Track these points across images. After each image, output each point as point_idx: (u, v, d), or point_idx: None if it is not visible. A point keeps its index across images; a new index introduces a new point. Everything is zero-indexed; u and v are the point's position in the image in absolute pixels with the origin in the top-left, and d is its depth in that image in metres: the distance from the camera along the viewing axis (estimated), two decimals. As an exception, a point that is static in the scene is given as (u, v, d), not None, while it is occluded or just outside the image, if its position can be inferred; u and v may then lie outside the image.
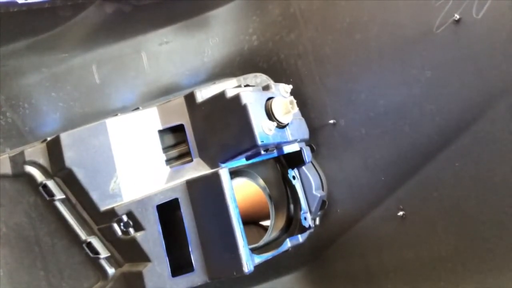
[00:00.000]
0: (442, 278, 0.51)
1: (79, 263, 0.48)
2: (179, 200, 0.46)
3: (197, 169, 0.48)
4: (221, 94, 0.46)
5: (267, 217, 0.60)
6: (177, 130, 0.50)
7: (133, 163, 0.47)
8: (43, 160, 0.47)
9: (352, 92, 0.54)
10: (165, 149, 0.49)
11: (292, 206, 0.58)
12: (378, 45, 0.50)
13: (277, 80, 0.61)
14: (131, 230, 0.45)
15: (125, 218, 0.45)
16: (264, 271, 0.48)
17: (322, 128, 0.59)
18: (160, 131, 0.49)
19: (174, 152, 0.50)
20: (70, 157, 0.45)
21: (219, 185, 0.44)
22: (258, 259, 0.46)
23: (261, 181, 0.58)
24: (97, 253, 0.46)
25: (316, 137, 0.59)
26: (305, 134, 0.52)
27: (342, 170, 0.59)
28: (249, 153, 0.46)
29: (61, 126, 0.53)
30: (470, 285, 0.48)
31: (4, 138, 0.50)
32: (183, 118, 0.49)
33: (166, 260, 0.45)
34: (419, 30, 0.46)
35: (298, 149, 0.55)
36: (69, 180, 0.46)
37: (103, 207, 0.45)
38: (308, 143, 0.59)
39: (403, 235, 0.54)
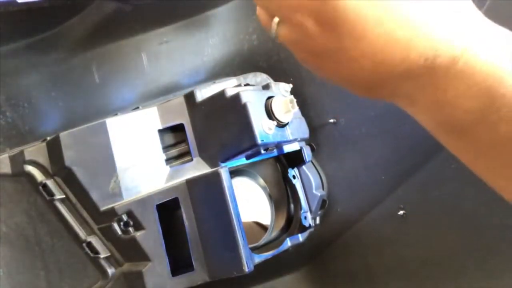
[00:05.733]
0: (443, 277, 0.51)
1: (79, 263, 0.47)
2: (179, 199, 0.45)
3: (197, 168, 0.48)
4: (221, 93, 0.46)
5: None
6: (177, 129, 0.50)
7: (133, 162, 0.47)
8: (43, 160, 0.47)
9: (352, 91, 0.54)
10: (165, 148, 0.49)
11: (292, 206, 0.58)
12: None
13: (277, 79, 0.61)
14: (131, 229, 0.45)
15: (125, 217, 0.45)
16: (264, 271, 0.48)
17: (322, 127, 0.59)
18: (160, 131, 0.49)
19: (174, 152, 0.50)
20: (70, 157, 0.45)
21: (219, 184, 0.44)
22: (258, 258, 0.45)
23: (261, 181, 0.58)
24: (97, 252, 0.46)
25: (316, 136, 0.59)
26: (305, 133, 0.52)
27: (342, 169, 0.59)
28: (249, 152, 0.46)
29: (61, 125, 0.53)
30: (471, 284, 0.48)
31: (4, 137, 0.50)
32: (183, 117, 0.49)
33: (166, 259, 0.45)
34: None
35: (298, 148, 0.55)
36: (69, 180, 0.46)
37: (103, 206, 0.45)
38: (308, 142, 0.59)
39: (404, 234, 0.54)
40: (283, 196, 0.58)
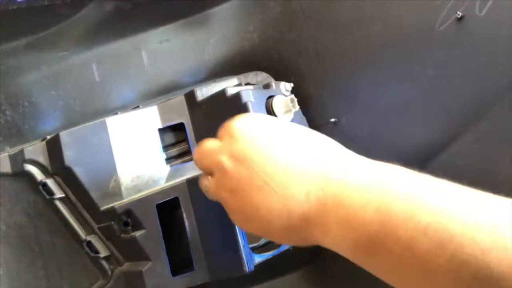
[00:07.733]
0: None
1: (79, 262, 0.47)
2: (179, 199, 0.45)
3: (197, 168, 0.47)
4: (222, 93, 0.46)
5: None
6: (178, 128, 0.50)
7: (133, 161, 0.47)
8: (43, 159, 0.47)
9: (353, 90, 0.54)
10: (165, 147, 0.49)
11: (293, 205, 0.58)
12: (380, 42, 0.50)
13: (278, 78, 0.60)
14: (131, 229, 0.45)
15: (125, 217, 0.45)
16: (264, 271, 0.48)
17: (323, 127, 0.58)
18: (160, 130, 0.49)
19: (174, 151, 0.50)
20: (69, 156, 0.45)
21: (219, 184, 0.43)
22: (259, 258, 0.45)
23: (261, 180, 0.58)
24: (97, 252, 0.46)
25: (317, 136, 0.59)
26: (306, 132, 0.52)
27: (343, 169, 0.58)
28: (249, 151, 0.46)
29: (61, 124, 0.53)
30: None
31: (3, 136, 0.49)
32: (183, 116, 0.49)
33: (166, 259, 0.45)
34: (421, 28, 0.46)
35: (299, 147, 0.55)
36: (69, 179, 0.46)
37: (103, 206, 0.45)
38: (309, 141, 0.58)
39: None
40: (283, 195, 0.58)
